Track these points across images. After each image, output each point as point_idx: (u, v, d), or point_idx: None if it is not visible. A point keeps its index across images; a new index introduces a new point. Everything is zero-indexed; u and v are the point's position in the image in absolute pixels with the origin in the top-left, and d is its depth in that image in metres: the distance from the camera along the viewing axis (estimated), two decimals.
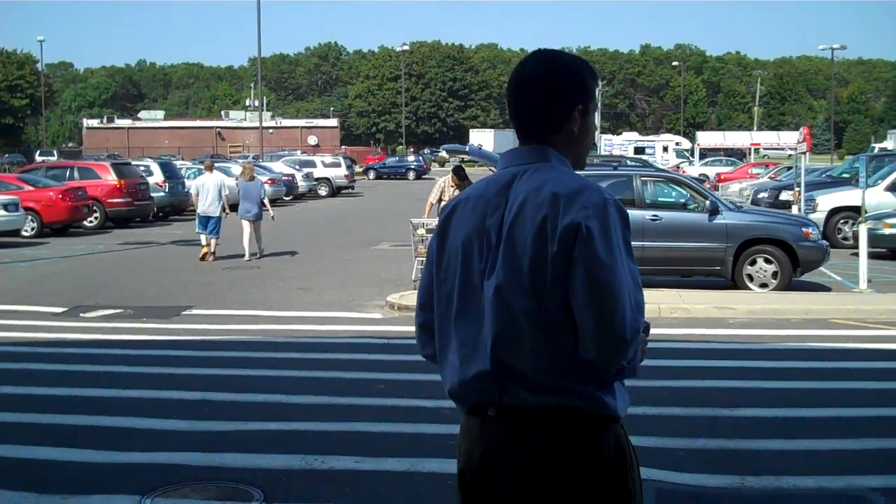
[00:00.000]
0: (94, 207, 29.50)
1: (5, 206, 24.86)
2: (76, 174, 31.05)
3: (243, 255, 21.44)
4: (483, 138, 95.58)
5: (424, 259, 14.46)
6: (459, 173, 17.48)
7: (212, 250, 21.36)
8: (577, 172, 3.00)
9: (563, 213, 2.77)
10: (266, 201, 21.91)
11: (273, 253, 22.33)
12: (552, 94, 2.98)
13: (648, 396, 9.10)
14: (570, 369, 2.82)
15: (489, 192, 2.97)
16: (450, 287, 3.01)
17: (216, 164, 24.04)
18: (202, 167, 26.69)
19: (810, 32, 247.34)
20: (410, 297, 14.87)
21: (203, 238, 21.48)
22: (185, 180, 36.13)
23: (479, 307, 2.92)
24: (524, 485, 2.88)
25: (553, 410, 2.84)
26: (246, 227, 21.58)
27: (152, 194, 32.31)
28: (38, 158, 74.97)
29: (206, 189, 21.49)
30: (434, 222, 16.82)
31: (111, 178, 30.40)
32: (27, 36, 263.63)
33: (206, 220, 21.34)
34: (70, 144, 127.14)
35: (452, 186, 17.49)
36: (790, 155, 59.21)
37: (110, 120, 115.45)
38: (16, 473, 7.10)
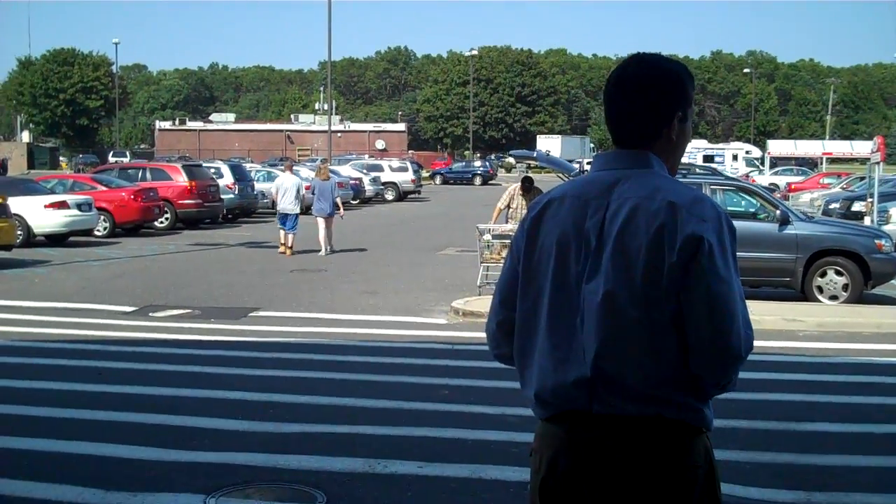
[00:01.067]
0: (165, 208, 29.94)
1: (79, 206, 25.30)
2: (148, 175, 31.50)
3: (319, 251, 22.86)
4: (550, 144, 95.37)
5: (490, 265, 14.34)
6: (525, 184, 17.56)
7: (290, 244, 22.82)
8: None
9: (683, 223, 2.74)
10: (339, 201, 23.41)
11: (339, 255, 22.50)
12: (654, 101, 2.93)
13: (716, 409, 8.99)
14: (673, 380, 2.81)
15: (588, 193, 2.91)
16: (539, 286, 2.94)
17: (291, 168, 25.86)
18: (272, 170, 27.90)
19: (886, 40, 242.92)
20: (476, 304, 14.87)
21: (282, 234, 22.97)
22: (255, 183, 36.57)
23: (574, 310, 2.86)
24: (617, 494, 2.83)
25: (652, 420, 2.81)
26: (321, 223, 23.03)
27: (222, 196, 32.69)
28: (112, 159, 76.32)
29: (285, 188, 23.36)
30: (501, 228, 16.81)
31: (182, 179, 30.82)
32: (103, 38, 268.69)
33: (284, 217, 22.95)
34: (142, 146, 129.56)
35: (521, 195, 17.54)
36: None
37: (182, 122, 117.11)
38: (84, 469, 7.23)
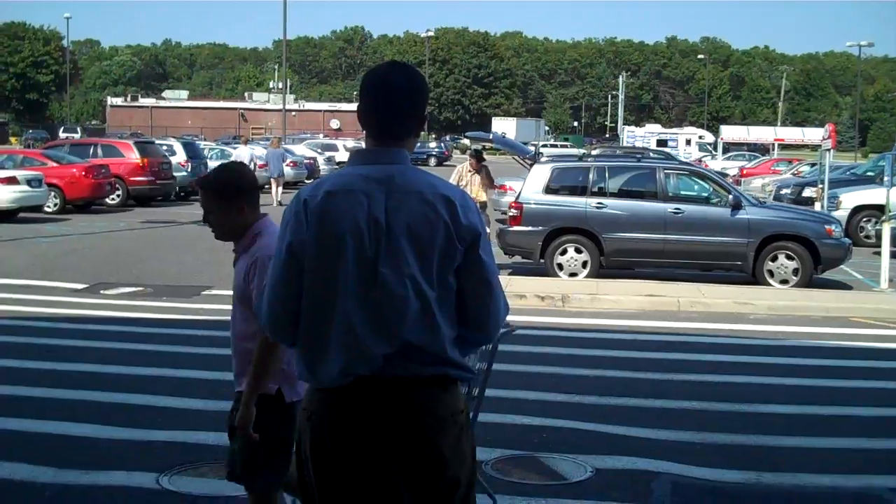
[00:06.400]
0: (117, 185, 29.54)
1: (29, 182, 24.95)
2: (99, 151, 31.05)
3: (271, 204, 26.76)
4: (506, 126, 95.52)
5: None
6: (478, 156, 17.86)
7: None
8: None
9: (462, 216, 3.27)
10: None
11: None
12: (421, 105, 3.43)
13: (668, 390, 9.11)
14: (452, 344, 3.30)
15: (366, 188, 3.26)
16: (334, 269, 3.23)
17: (247, 143, 35.14)
18: (226, 147, 36.31)
19: (838, 29, 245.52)
20: None
21: None
22: (208, 161, 36.30)
23: (375, 290, 3.22)
24: (411, 443, 3.25)
25: (438, 378, 3.29)
26: (273, 183, 29.85)
27: (175, 174, 32.31)
28: (62, 135, 75.27)
29: (241, 157, 28.94)
30: None
31: (134, 156, 30.41)
32: (54, 12, 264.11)
33: None
34: (94, 122, 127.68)
35: (470, 171, 17.73)
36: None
37: (134, 98, 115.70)
38: (34, 447, 7.15)
